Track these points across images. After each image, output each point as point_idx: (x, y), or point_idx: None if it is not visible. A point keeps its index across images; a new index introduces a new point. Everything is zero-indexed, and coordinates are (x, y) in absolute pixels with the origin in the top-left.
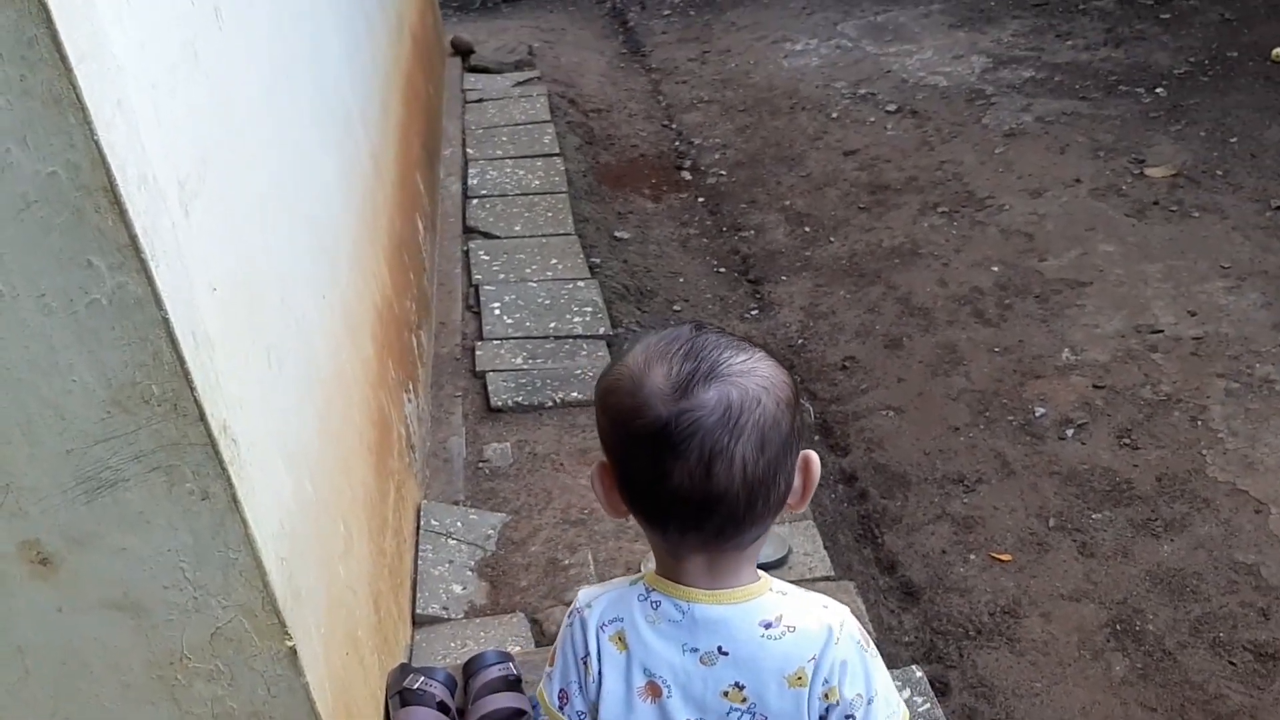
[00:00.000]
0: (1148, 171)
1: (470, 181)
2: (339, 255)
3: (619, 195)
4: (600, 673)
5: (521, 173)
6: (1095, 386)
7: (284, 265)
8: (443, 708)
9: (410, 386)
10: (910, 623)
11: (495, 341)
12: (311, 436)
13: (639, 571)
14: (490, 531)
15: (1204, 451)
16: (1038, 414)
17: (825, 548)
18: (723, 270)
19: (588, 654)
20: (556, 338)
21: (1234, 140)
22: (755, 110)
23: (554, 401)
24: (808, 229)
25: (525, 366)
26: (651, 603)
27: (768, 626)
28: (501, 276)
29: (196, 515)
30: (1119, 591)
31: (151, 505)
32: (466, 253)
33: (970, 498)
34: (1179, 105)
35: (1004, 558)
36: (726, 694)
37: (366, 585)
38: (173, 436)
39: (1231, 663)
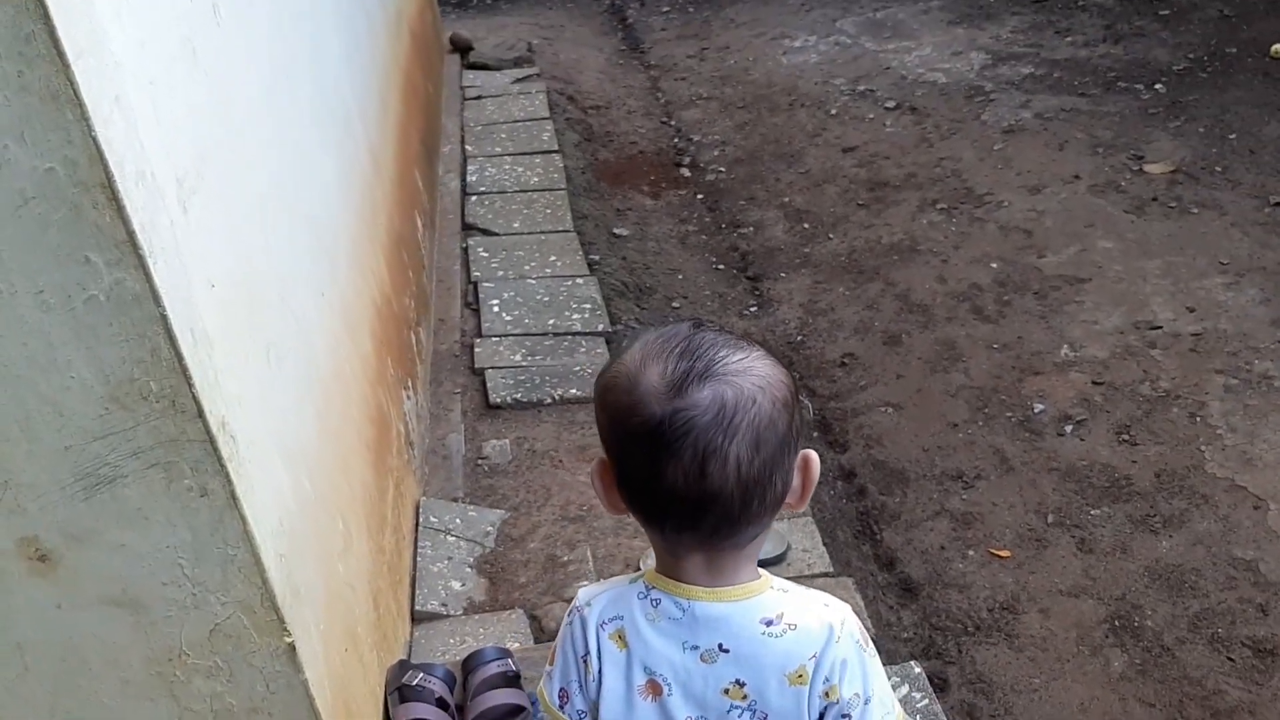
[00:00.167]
0: (1147, 168)
1: (469, 178)
2: (338, 253)
3: (618, 192)
4: (600, 671)
5: (520, 169)
6: (1094, 383)
7: (283, 263)
8: (442, 704)
9: (409, 383)
10: (909, 619)
11: (494, 338)
12: (310, 433)
13: (638, 568)
14: (489, 528)
15: (1203, 447)
16: (1036, 410)
17: (824, 544)
18: (721, 267)
19: (588, 652)
20: (555, 335)
21: (1233, 136)
22: (754, 107)
23: (553, 398)
24: (807, 226)
25: (524, 363)
26: (651, 600)
27: (769, 624)
28: (500, 273)
29: (195, 512)
30: (1118, 587)
31: (150, 502)
32: (465, 250)
33: (969, 494)
34: (1178, 101)
35: (1003, 554)
36: (727, 691)
37: (365, 582)
38: (171, 433)
39: (1230, 658)
